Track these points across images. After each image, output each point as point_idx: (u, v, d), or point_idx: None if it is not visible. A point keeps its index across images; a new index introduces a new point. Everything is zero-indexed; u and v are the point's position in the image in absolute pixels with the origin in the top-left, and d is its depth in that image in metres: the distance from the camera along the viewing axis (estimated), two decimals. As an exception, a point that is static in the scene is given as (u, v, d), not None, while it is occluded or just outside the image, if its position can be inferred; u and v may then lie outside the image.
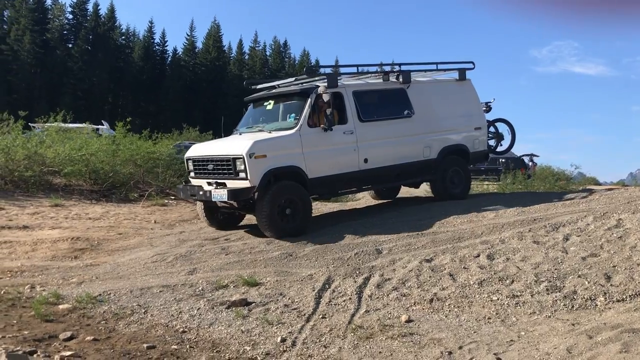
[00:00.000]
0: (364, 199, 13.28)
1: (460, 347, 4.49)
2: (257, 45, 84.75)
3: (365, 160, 9.12)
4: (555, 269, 5.91)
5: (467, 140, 10.59)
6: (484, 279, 5.87)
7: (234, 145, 8.54)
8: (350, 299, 5.73)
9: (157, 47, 79.01)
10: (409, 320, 5.15)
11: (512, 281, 5.77)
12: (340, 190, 9.55)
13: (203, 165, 8.93)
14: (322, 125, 8.64)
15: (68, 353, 4.60)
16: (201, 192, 8.68)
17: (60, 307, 5.97)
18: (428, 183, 11.12)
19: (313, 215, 9.13)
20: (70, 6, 71.95)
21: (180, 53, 79.22)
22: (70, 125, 19.85)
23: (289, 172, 8.39)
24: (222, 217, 9.59)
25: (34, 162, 14.06)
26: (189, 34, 79.53)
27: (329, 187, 9.09)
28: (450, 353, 4.41)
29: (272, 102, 9.63)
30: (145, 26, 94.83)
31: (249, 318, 5.50)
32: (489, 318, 5.11)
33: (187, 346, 4.93)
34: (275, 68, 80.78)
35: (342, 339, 4.87)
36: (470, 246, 6.93)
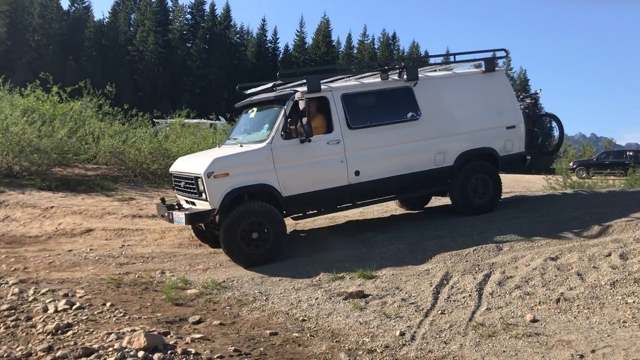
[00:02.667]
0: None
1: (593, 351, 4.24)
2: (366, 38, 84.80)
3: (357, 173, 7.92)
4: (700, 273, 5.42)
5: (496, 142, 8.92)
6: (616, 280, 5.50)
7: (199, 162, 7.65)
8: (470, 295, 5.59)
9: (269, 44, 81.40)
10: (534, 320, 4.94)
11: (650, 284, 5.36)
12: (325, 208, 8.25)
13: (178, 182, 8.18)
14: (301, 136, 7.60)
15: (197, 336, 4.86)
16: (166, 214, 7.83)
17: (188, 292, 6.33)
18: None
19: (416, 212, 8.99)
20: (189, 7, 75.83)
21: (291, 49, 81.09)
22: (190, 120, 20.98)
23: (257, 191, 7.48)
24: (209, 236, 8.59)
25: (160, 156, 15.02)
26: (299, 30, 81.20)
27: (310, 205, 7.99)
28: (581, 356, 4.17)
29: (255, 109, 8.69)
30: (258, 24, 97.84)
31: (366, 310, 5.53)
32: (624, 322, 4.78)
33: (308, 334, 5.05)
34: (384, 61, 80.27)
35: (463, 336, 4.77)
36: (600, 244, 6.52)
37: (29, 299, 5.91)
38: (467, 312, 5.22)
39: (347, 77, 8.94)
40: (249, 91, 8.96)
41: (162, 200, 8.48)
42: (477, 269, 6.21)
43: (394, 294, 5.86)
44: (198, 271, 7.27)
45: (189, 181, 7.65)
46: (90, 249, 8.54)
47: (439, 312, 5.32)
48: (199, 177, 7.32)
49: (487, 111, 8.90)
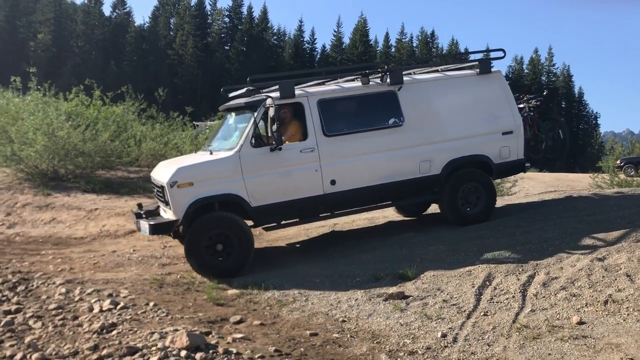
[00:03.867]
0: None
1: (644, 355, 4.10)
2: (404, 36, 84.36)
3: (333, 182, 7.55)
4: None
5: (490, 148, 8.34)
6: (668, 282, 5.30)
7: (166, 170, 7.47)
8: (513, 297, 5.47)
9: (306, 45, 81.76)
10: (580, 322, 4.80)
11: None
12: (300, 218, 7.88)
13: (154, 188, 8.09)
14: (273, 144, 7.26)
15: (239, 336, 4.91)
16: (135, 221, 7.75)
17: (229, 292, 6.40)
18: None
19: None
20: (227, 10, 76.79)
21: (328, 50, 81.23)
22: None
23: (224, 201, 7.24)
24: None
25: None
26: (336, 30, 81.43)
27: (282, 215, 7.65)
28: (631, 360, 4.04)
29: (233, 115, 8.33)
30: (296, 25, 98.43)
31: (407, 311, 5.47)
32: (677, 325, 4.60)
33: (348, 335, 5.03)
34: (423, 59, 79.75)
35: (507, 338, 4.67)
36: (651, 245, 6.29)
37: (75, 299, 6.07)
38: (511, 314, 5.11)
39: (335, 81, 8.46)
40: (232, 94, 8.43)
41: (139, 205, 8.06)
42: (520, 269, 6.07)
43: (435, 295, 5.78)
44: (238, 271, 7.33)
45: (159, 189, 7.55)
46: (134, 250, 8.71)
47: (482, 313, 5.22)
48: (163, 186, 7.20)
49: (480, 116, 8.37)
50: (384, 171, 7.84)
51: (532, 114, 9.26)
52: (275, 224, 7.79)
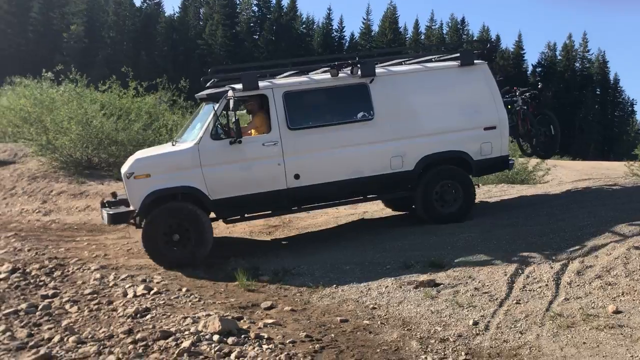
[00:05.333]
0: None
1: (683, 345, 4.00)
2: (434, 24, 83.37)
3: (297, 177, 7.35)
4: None
5: (469, 144, 7.89)
6: None
7: (128, 161, 7.43)
8: (546, 285, 5.40)
9: (335, 33, 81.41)
10: (616, 311, 4.71)
11: None
12: (261, 211, 7.70)
13: None
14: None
15: (270, 321, 4.95)
16: (100, 210, 7.71)
17: (260, 278, 6.46)
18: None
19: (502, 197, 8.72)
20: (255, -1, 76.89)
21: (357, 38, 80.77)
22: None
23: (182, 193, 7.15)
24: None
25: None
26: (365, 18, 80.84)
27: (243, 209, 7.51)
28: (670, 350, 3.96)
29: (204, 105, 8.10)
30: (324, 14, 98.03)
31: (437, 299, 5.45)
32: None
33: (378, 322, 5.04)
34: (453, 46, 78.79)
35: (540, 327, 4.62)
36: (691, 233, 6.13)
37: (110, 284, 6.20)
38: (544, 302, 5.05)
39: (315, 72, 8.17)
40: (208, 84, 8.20)
41: (114, 194, 8.06)
42: (554, 258, 5.98)
43: (467, 283, 5.74)
44: (269, 257, 7.38)
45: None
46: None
47: (514, 301, 5.17)
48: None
49: (459, 110, 7.93)
50: (352, 166, 7.60)
51: (525, 108, 8.90)
52: (238, 216, 7.71)
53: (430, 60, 8.41)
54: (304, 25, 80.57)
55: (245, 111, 8.21)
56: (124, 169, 7.24)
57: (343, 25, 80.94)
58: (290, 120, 7.37)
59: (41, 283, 6.32)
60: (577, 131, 70.79)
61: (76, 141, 13.37)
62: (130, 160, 7.33)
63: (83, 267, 6.96)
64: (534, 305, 5.02)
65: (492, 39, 79.37)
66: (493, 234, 7.08)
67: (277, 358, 4.11)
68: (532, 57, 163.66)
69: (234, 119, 7.07)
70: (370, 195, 8.17)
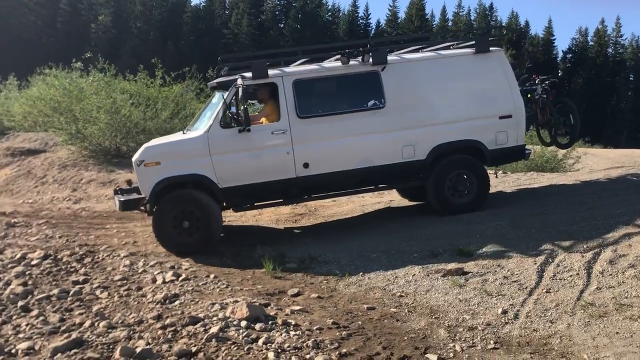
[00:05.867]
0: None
1: None
2: (461, 10, 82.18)
3: (306, 165, 7.29)
4: None
5: (483, 133, 7.73)
6: None
7: (140, 149, 7.57)
8: (577, 274, 5.30)
9: (360, 20, 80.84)
10: (651, 301, 4.61)
11: None
12: (270, 200, 7.74)
13: None
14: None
15: (297, 308, 4.96)
16: (113, 197, 7.89)
17: (287, 265, 6.48)
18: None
19: (526, 185, 8.58)
20: (281, -13, 76.75)
21: (383, 25, 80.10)
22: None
23: (191, 181, 7.21)
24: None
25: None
26: (392, 4, 80.00)
27: (252, 197, 7.53)
28: None
29: (216, 93, 8.11)
30: (350, 1, 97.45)
31: (466, 287, 5.39)
32: None
33: (406, 310, 5.01)
34: (481, 33, 77.68)
35: (571, 316, 4.54)
36: None
37: (139, 271, 6.28)
38: (575, 291, 4.96)
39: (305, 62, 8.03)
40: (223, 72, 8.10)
41: (129, 182, 8.28)
42: (585, 246, 5.86)
43: (495, 271, 5.67)
44: (295, 245, 7.40)
45: None
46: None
47: (544, 290, 5.09)
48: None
49: (473, 98, 7.77)
50: (362, 155, 7.50)
51: (545, 96, 8.63)
52: (248, 205, 7.71)
53: (448, 48, 8.25)
54: (329, 13, 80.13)
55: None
56: (135, 156, 7.34)
57: (369, 13, 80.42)
58: (300, 108, 7.32)
59: (72, 269, 6.43)
60: (609, 118, 69.31)
61: (105, 130, 13.57)
62: (141, 149, 7.42)
63: (113, 254, 7.07)
64: (564, 294, 4.93)
65: (521, 25, 78.09)
66: (522, 222, 6.98)
67: (305, 344, 4.12)
68: (562, 43, 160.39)
69: (243, 107, 7.06)
70: (382, 185, 8.09)
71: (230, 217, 9.41)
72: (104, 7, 67.39)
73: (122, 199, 7.46)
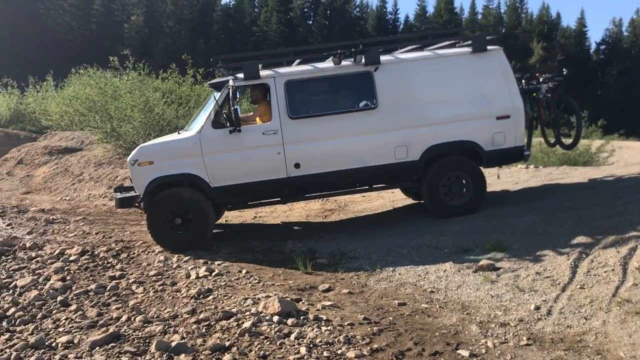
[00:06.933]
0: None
1: None
2: (491, 2, 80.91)
3: (297, 166, 7.32)
4: None
5: (480, 134, 7.58)
6: None
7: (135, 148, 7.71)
8: (612, 270, 5.21)
9: (389, 15, 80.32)
10: (689, 298, 4.51)
11: None
12: (262, 199, 7.82)
13: None
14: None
15: (328, 303, 5.00)
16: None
17: (317, 260, 6.53)
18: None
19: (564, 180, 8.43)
20: (309, -16, 76.68)
21: (411, 20, 79.45)
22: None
23: (184, 180, 7.32)
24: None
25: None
26: (420, -1, 79.23)
27: (244, 197, 7.60)
28: None
29: (213, 93, 8.11)
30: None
31: (497, 283, 5.36)
32: None
33: (437, 306, 5.00)
34: (511, 25, 76.39)
35: (606, 312, 4.47)
36: None
37: (173, 266, 6.41)
38: (610, 288, 4.87)
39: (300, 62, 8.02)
40: (218, 73, 8.29)
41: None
42: (620, 241, 5.75)
43: (528, 267, 5.61)
44: (326, 241, 7.44)
45: None
46: (226, 221, 9.03)
47: (578, 286, 5.02)
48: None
49: (469, 99, 7.62)
50: (354, 156, 7.47)
51: (549, 95, 8.38)
52: (240, 204, 7.87)
53: (454, 45, 8.08)
54: (357, 9, 79.77)
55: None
56: (130, 156, 7.50)
57: (397, 8, 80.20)
58: (291, 109, 7.35)
59: (109, 265, 6.60)
60: (646, 111, 67.49)
61: (139, 128, 13.82)
62: (136, 149, 7.58)
63: (148, 249, 7.23)
64: (599, 291, 4.86)
65: (552, 17, 76.51)
66: (555, 217, 6.89)
67: (336, 339, 4.16)
68: (595, 35, 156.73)
69: (233, 108, 7.10)
70: (377, 185, 8.00)
71: (262, 213, 9.52)
72: (137, 7, 68.37)
73: (118, 197, 7.68)
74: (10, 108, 24.60)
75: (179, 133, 7.81)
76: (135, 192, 7.50)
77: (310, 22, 75.58)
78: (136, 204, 7.56)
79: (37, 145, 17.87)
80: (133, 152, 7.48)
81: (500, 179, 9.79)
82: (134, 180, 7.43)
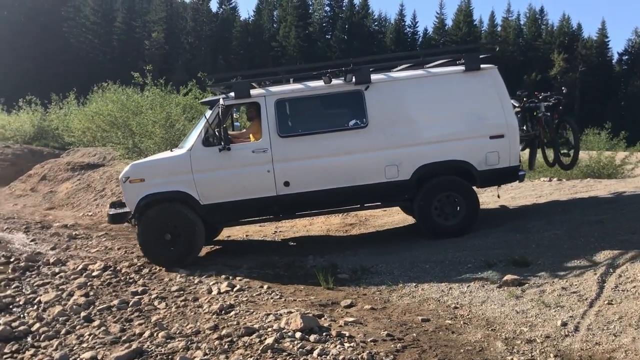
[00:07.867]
0: None
1: None
2: (510, 15, 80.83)
3: (286, 184, 7.32)
4: None
5: (472, 153, 7.47)
6: None
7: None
8: (641, 285, 5.10)
9: (407, 29, 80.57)
10: None
11: None
12: (251, 217, 7.78)
13: None
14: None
15: (350, 319, 4.96)
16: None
17: (339, 276, 6.48)
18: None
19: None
20: (328, -1, 77.40)
21: (430, 33, 79.58)
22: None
23: (174, 198, 7.36)
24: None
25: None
26: (439, 12, 79.75)
27: (232, 214, 7.59)
28: None
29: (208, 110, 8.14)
30: (396, 10, 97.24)
31: (522, 299, 5.27)
32: None
33: (461, 322, 4.93)
34: (531, 37, 76.07)
35: (636, 329, 4.36)
36: None
37: (195, 281, 6.43)
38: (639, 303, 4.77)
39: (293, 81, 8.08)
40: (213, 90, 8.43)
41: None
42: (648, 256, 5.64)
43: (553, 282, 5.51)
44: (347, 256, 7.40)
45: None
46: (247, 235, 9.04)
47: (606, 302, 4.91)
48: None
49: (462, 118, 7.52)
50: (344, 174, 7.42)
51: (548, 114, 8.25)
52: (231, 221, 7.94)
53: (454, 63, 7.96)
54: (375, 23, 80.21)
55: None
56: (122, 173, 7.59)
57: (416, 21, 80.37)
58: (281, 127, 7.38)
59: (131, 280, 6.64)
60: (670, 122, 66.50)
61: (160, 144, 13.94)
62: (128, 166, 7.67)
63: (169, 265, 7.24)
64: (628, 306, 4.75)
65: (573, 28, 76.04)
66: (580, 231, 6.77)
67: (360, 356, 4.11)
68: (617, 45, 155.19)
69: (222, 127, 7.23)
70: (368, 204, 7.89)
71: (282, 228, 9.51)
72: (157, 24, 69.49)
73: (110, 213, 7.78)
74: (34, 125, 25.00)
75: (171, 151, 7.94)
76: (127, 209, 7.58)
77: (329, 37, 76.16)
78: (127, 220, 7.62)
79: (60, 161, 18.13)
80: (125, 169, 7.58)
81: (523, 192, 9.68)
82: (126, 196, 7.52)
